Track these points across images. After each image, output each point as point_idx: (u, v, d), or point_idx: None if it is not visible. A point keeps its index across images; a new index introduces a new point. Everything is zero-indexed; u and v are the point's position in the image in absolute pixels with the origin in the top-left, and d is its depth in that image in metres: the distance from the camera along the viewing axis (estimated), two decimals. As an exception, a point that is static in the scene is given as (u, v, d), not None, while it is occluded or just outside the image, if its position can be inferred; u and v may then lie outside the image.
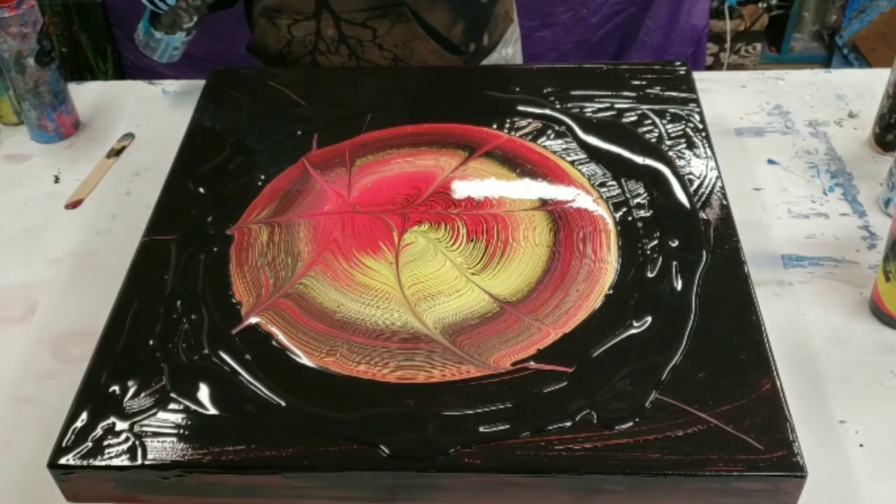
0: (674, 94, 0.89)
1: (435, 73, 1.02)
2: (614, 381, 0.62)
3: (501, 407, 0.61)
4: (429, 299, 0.69)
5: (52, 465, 0.59)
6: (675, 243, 0.72)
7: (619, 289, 0.69)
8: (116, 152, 1.00)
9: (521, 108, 0.88)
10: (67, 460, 0.59)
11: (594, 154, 0.82)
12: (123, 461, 0.59)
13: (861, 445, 0.68)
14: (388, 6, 1.00)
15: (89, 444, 0.60)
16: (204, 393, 0.62)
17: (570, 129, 0.85)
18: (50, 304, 0.82)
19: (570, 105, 0.88)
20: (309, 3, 1.01)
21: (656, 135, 0.84)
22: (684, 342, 0.64)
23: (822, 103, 1.03)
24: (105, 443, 0.60)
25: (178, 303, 0.69)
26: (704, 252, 0.71)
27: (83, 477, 0.59)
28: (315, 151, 0.84)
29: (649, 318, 0.66)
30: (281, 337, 0.66)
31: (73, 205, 0.93)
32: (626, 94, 0.89)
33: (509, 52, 1.13)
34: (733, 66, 2.40)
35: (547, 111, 0.87)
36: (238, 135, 0.87)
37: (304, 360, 0.65)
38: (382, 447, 0.58)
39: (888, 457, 0.67)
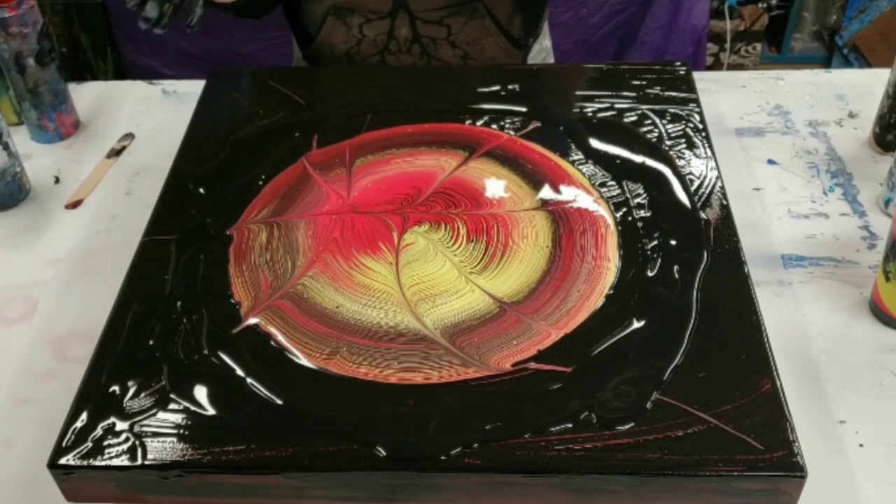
0: (674, 94, 0.89)
1: (435, 72, 1.02)
2: (614, 381, 0.62)
3: (501, 407, 0.61)
4: (429, 300, 0.69)
5: (52, 465, 0.59)
6: (674, 243, 0.72)
7: (620, 289, 0.69)
8: (116, 152, 1.00)
9: (521, 107, 0.88)
10: (67, 460, 0.59)
11: (594, 154, 0.82)
12: (123, 461, 0.59)
13: (861, 445, 0.68)
14: (464, 3, 1.00)
15: (89, 444, 0.60)
16: (204, 393, 0.62)
17: (570, 128, 0.85)
18: (50, 304, 0.82)
19: (570, 105, 0.88)
20: (386, 2, 1.00)
21: (656, 135, 0.84)
22: (684, 342, 0.64)
23: (822, 103, 1.03)
24: (105, 443, 0.60)
25: (178, 303, 0.69)
26: (704, 252, 0.71)
27: (83, 477, 0.59)
28: (315, 151, 0.84)
29: (649, 319, 0.66)
30: (280, 337, 0.66)
31: (73, 205, 0.93)
32: (626, 94, 0.89)
33: (547, 43, 1.15)
34: (733, 66, 2.40)
35: (547, 111, 0.87)
36: (238, 135, 0.87)
37: (304, 361, 0.65)
38: (382, 447, 0.58)
39: (888, 457, 0.67)
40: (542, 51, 1.14)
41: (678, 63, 0.94)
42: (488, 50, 1.04)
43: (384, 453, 0.58)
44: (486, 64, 1.06)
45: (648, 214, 0.75)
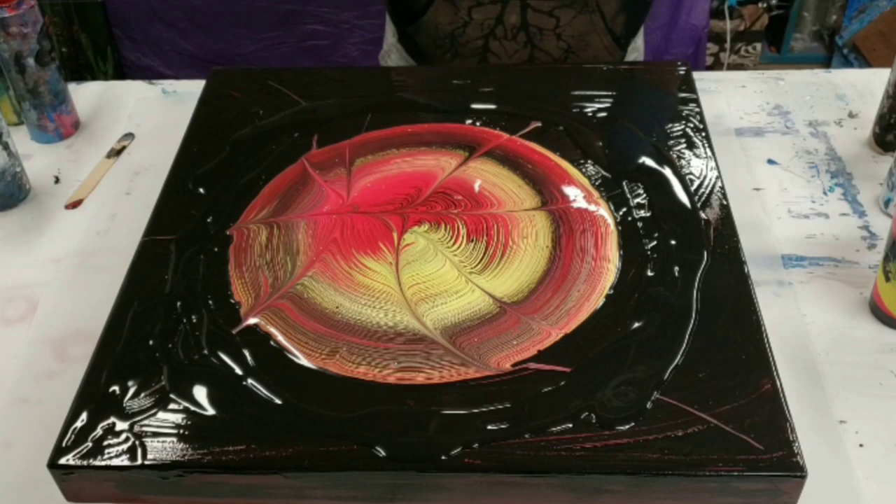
0: (674, 94, 0.89)
1: (435, 72, 1.02)
2: (614, 381, 0.62)
3: (501, 407, 0.61)
4: (429, 300, 0.69)
5: (52, 465, 0.59)
6: (674, 243, 0.72)
7: (620, 289, 0.69)
8: (116, 152, 1.00)
9: (521, 107, 0.88)
10: (67, 460, 0.59)
11: (594, 154, 0.82)
12: (123, 461, 0.59)
13: (861, 445, 0.68)
14: None
15: (89, 444, 0.60)
16: (204, 393, 0.62)
17: (570, 128, 0.85)
18: (50, 304, 0.82)
19: (570, 105, 0.88)
20: None
21: (656, 135, 0.84)
22: (684, 342, 0.64)
23: (822, 103, 1.03)
24: (105, 443, 0.60)
25: (178, 303, 0.69)
26: (704, 252, 0.71)
27: (83, 477, 0.59)
28: (315, 151, 0.84)
29: (649, 319, 0.66)
30: (280, 338, 0.66)
31: (73, 205, 0.93)
32: (625, 94, 0.89)
33: (640, 43, 1.15)
34: (733, 66, 2.40)
35: (547, 111, 0.87)
36: (238, 135, 0.87)
37: (304, 361, 0.65)
38: (382, 447, 0.58)
39: (888, 457, 0.67)
40: (635, 49, 1.14)
41: (678, 63, 0.94)
42: (592, 47, 1.05)
43: (384, 453, 0.58)
44: (585, 61, 1.06)
45: (648, 214, 0.75)
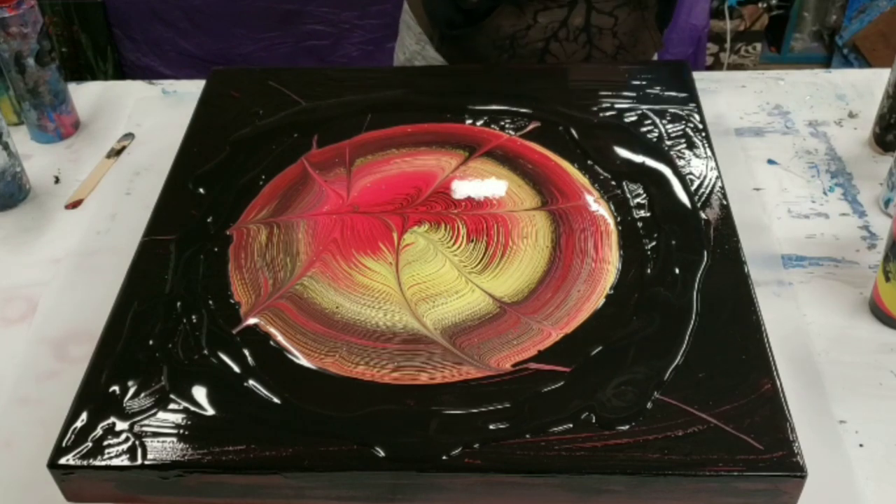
0: (674, 94, 0.89)
1: (435, 72, 1.02)
2: (614, 381, 0.62)
3: (501, 407, 0.61)
4: (429, 300, 0.69)
5: (52, 465, 0.59)
6: (675, 243, 0.72)
7: (620, 289, 0.69)
8: (116, 152, 1.00)
9: (521, 107, 0.88)
10: (67, 460, 0.59)
11: (594, 154, 0.82)
12: (123, 461, 0.59)
13: (861, 445, 0.68)
14: None
15: (89, 444, 0.60)
16: (203, 393, 0.62)
17: (570, 128, 0.85)
18: (50, 304, 0.82)
19: (570, 105, 0.88)
20: None
21: (656, 135, 0.84)
22: (684, 342, 0.64)
23: (822, 103, 1.03)
24: (105, 443, 0.60)
25: (178, 303, 0.69)
26: (704, 252, 0.71)
27: (83, 477, 0.59)
28: (315, 151, 0.84)
29: (649, 319, 0.66)
30: (280, 338, 0.66)
31: (73, 205, 0.93)
32: (626, 94, 0.89)
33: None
34: (733, 66, 2.40)
35: (547, 111, 0.87)
36: (238, 135, 0.87)
37: (304, 362, 0.65)
38: (382, 447, 0.58)
39: (888, 457, 0.67)
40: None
41: (678, 63, 0.94)
42: (641, 43, 1.06)
43: (384, 453, 0.58)
44: (635, 57, 1.07)
45: (648, 214, 0.75)
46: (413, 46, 1.15)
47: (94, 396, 0.63)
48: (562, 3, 1.01)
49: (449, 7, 1.08)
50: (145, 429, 0.60)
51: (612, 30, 1.04)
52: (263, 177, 0.81)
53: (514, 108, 0.88)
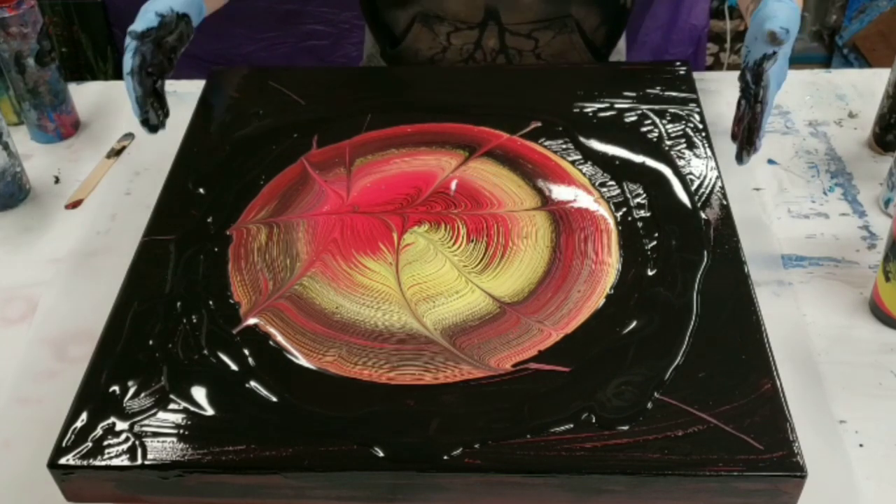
0: (674, 94, 0.89)
1: (435, 72, 1.02)
2: (615, 381, 0.62)
3: (501, 407, 0.61)
4: (429, 300, 0.69)
5: (52, 465, 0.59)
6: (675, 243, 0.72)
7: (620, 289, 0.69)
8: (116, 152, 1.00)
9: (521, 107, 0.88)
10: (67, 460, 0.59)
11: (594, 154, 0.82)
12: (123, 461, 0.59)
13: (861, 445, 0.68)
14: (555, 18, 1.01)
15: (89, 444, 0.60)
16: (203, 393, 0.62)
17: (570, 128, 0.85)
18: (50, 304, 0.82)
19: (570, 105, 0.88)
20: (477, 13, 1.02)
21: (656, 135, 0.84)
22: (685, 342, 0.64)
23: (822, 103, 1.03)
24: (105, 443, 0.60)
25: (178, 303, 0.69)
26: (704, 252, 0.71)
27: (83, 477, 0.59)
28: (314, 151, 0.84)
29: (650, 319, 0.66)
30: (279, 338, 0.66)
31: (73, 205, 0.93)
32: (626, 94, 0.89)
33: (621, 44, 1.15)
34: (733, 66, 2.40)
35: (547, 111, 0.87)
36: (238, 135, 0.87)
37: (303, 362, 0.65)
38: (382, 447, 0.58)
39: (888, 457, 0.67)
40: (617, 52, 1.15)
41: (678, 63, 0.94)
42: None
43: (384, 453, 0.58)
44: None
45: (648, 214, 0.75)
46: (370, 49, 1.18)
47: (94, 396, 0.63)
48: (472, 25, 1.02)
49: (373, 28, 1.10)
50: (145, 429, 0.60)
51: (533, 52, 1.05)
52: (263, 177, 0.81)
53: (514, 109, 0.88)
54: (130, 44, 0.81)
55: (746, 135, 0.76)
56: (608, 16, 1.06)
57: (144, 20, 0.81)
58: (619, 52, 1.17)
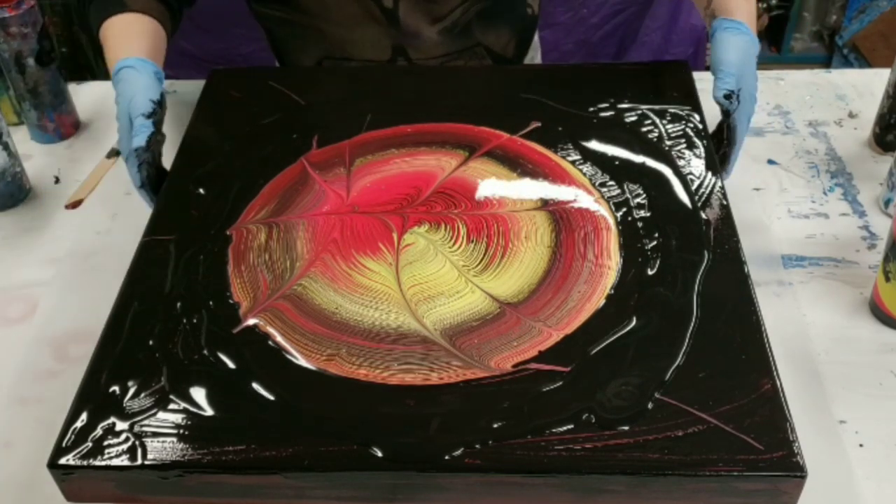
0: (674, 94, 0.89)
1: (436, 72, 1.02)
2: (615, 381, 0.62)
3: (502, 407, 0.61)
4: (429, 301, 0.69)
5: (52, 465, 0.59)
6: (675, 243, 0.72)
7: (620, 289, 0.69)
8: (116, 152, 1.00)
9: (521, 107, 0.88)
10: (67, 460, 0.59)
11: (594, 154, 0.82)
12: (123, 461, 0.59)
13: (861, 445, 0.68)
14: (463, 49, 1.02)
15: (89, 444, 0.60)
16: (203, 393, 0.62)
17: (570, 128, 0.85)
18: (50, 304, 0.82)
19: (570, 105, 0.88)
20: (384, 52, 1.02)
21: (656, 135, 0.84)
22: (685, 342, 0.64)
23: (822, 103, 1.03)
24: (105, 443, 0.60)
25: (178, 303, 0.69)
26: (704, 252, 0.71)
27: (83, 477, 0.59)
28: (314, 151, 0.84)
29: (650, 319, 0.66)
30: (279, 338, 0.66)
31: (73, 205, 0.94)
32: (626, 94, 0.89)
33: (535, 55, 1.15)
34: (733, 66, 2.39)
35: (547, 111, 0.87)
36: (238, 135, 0.87)
37: (303, 362, 0.65)
38: (382, 448, 0.58)
39: (888, 457, 0.67)
40: (531, 48, 1.15)
41: (678, 63, 0.94)
42: None
43: (384, 454, 0.58)
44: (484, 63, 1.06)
45: (648, 214, 0.75)
46: None
47: (94, 396, 0.63)
48: (381, 63, 1.03)
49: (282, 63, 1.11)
50: (145, 429, 0.60)
51: None
52: (263, 177, 0.81)
53: (515, 109, 0.88)
54: (131, 157, 0.78)
55: (719, 160, 0.79)
56: (517, 30, 1.07)
57: (142, 132, 0.78)
58: (535, 49, 1.17)
